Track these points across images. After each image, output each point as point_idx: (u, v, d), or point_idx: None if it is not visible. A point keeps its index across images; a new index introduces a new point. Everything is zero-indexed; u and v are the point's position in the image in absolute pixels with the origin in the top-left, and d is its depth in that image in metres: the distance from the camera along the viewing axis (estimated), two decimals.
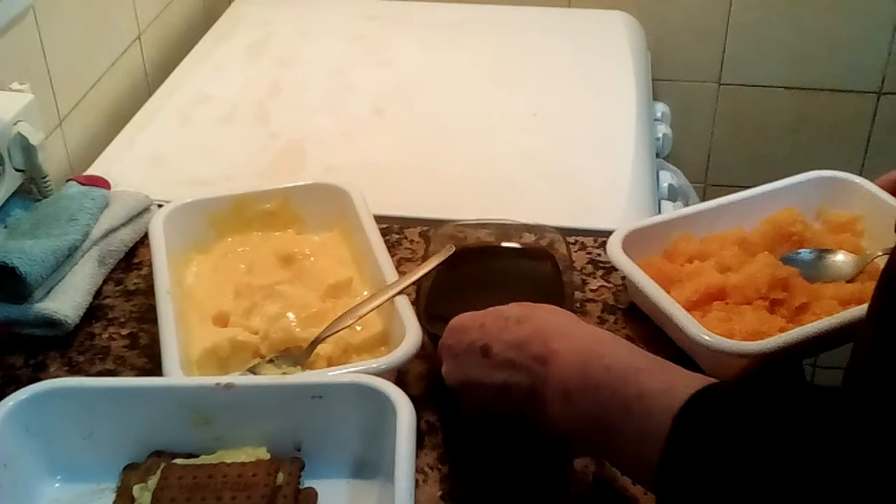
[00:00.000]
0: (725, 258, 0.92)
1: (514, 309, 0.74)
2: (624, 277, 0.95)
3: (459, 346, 0.74)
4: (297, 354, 0.86)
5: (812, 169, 1.03)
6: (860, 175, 1.01)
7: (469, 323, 0.75)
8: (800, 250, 0.95)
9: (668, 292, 0.88)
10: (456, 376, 0.74)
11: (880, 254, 0.92)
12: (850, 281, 0.92)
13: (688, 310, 0.85)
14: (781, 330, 0.83)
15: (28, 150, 1.01)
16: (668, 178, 1.46)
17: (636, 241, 0.93)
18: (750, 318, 0.86)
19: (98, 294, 0.97)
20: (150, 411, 0.75)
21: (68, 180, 1.05)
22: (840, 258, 0.94)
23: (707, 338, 0.81)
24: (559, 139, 1.30)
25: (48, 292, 0.92)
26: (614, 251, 0.91)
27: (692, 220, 0.98)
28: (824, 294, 0.89)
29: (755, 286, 0.88)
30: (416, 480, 0.76)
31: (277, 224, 1.03)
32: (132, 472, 0.75)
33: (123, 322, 0.94)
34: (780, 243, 0.96)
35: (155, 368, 0.83)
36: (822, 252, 0.95)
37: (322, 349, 0.86)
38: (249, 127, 1.32)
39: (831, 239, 0.97)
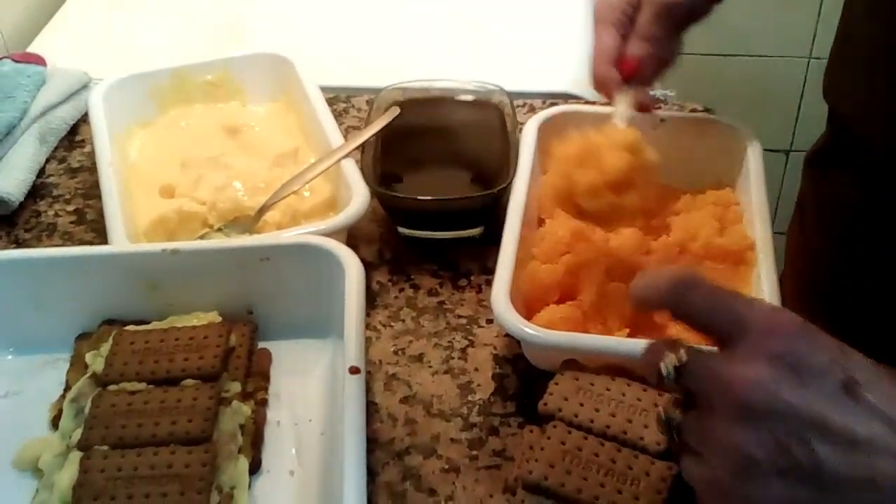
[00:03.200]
0: (594, 267, 0.77)
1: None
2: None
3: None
4: (246, 222, 0.86)
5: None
6: None
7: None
8: None
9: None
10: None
11: None
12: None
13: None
14: None
15: None
16: None
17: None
18: None
19: (42, 172, 0.96)
20: (99, 280, 0.74)
21: (1, 58, 1.02)
22: None
23: None
24: (507, 4, 1.28)
25: None
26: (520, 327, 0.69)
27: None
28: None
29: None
30: (370, 338, 0.78)
31: (220, 96, 1.01)
32: (84, 341, 0.75)
33: (69, 199, 0.93)
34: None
35: (103, 243, 0.82)
36: None
37: (271, 217, 0.86)
38: (189, 3, 1.29)
39: None
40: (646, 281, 0.51)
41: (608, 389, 0.66)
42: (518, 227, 0.77)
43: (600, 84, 0.78)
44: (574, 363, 0.68)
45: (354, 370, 0.65)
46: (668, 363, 0.48)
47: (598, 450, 0.62)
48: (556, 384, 0.66)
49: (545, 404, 0.65)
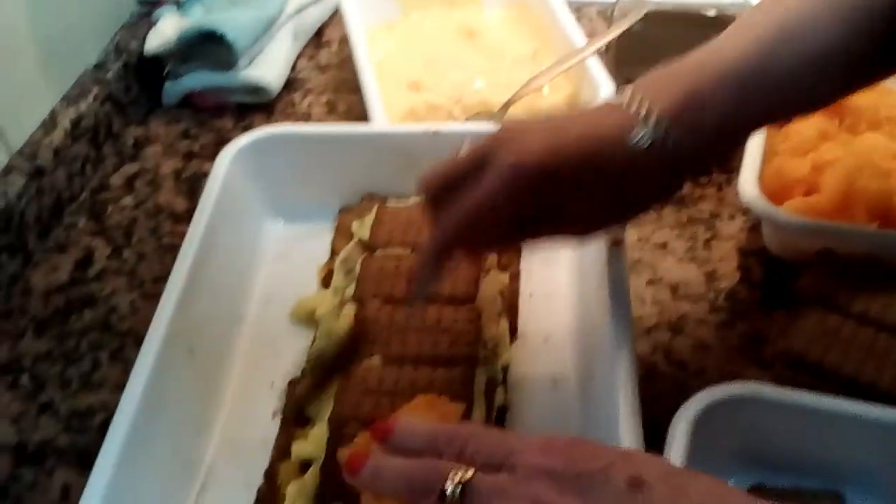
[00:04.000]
0: (841, 164, 0.76)
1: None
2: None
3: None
4: (489, 117, 0.89)
5: None
6: None
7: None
8: None
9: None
10: None
11: None
12: None
13: None
14: None
15: None
16: None
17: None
18: None
19: (294, 68, 1.02)
20: (363, 157, 0.79)
21: None
22: None
23: None
24: None
25: (251, 62, 0.97)
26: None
27: None
28: None
29: None
30: None
31: (458, 0, 1.05)
32: (347, 213, 0.80)
33: (321, 92, 0.99)
34: None
35: None
36: None
37: (513, 112, 0.89)
38: None
39: None
40: (404, 431, 0.49)
41: (865, 274, 0.66)
42: None
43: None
44: (828, 253, 0.69)
45: (617, 241, 0.67)
46: (453, 480, 0.44)
47: (857, 331, 0.63)
48: (813, 268, 0.68)
49: (802, 286, 0.67)
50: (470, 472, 0.44)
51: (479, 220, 0.56)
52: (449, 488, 0.44)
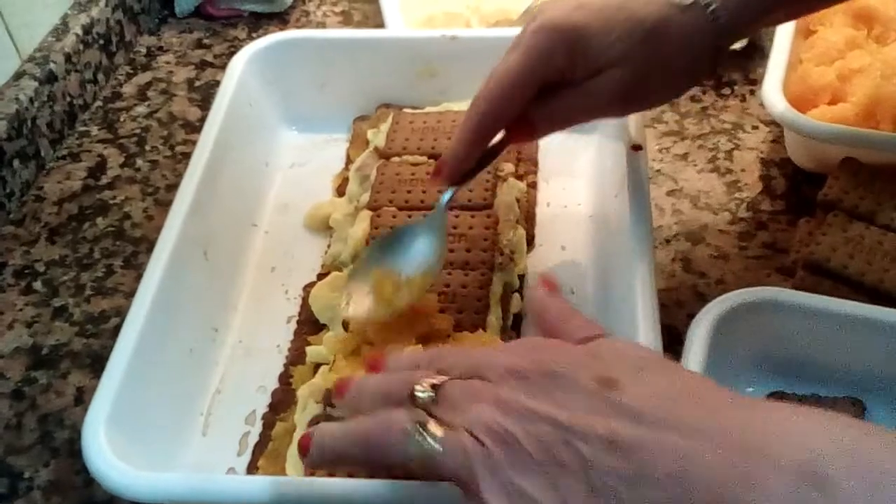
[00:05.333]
0: (868, 71, 0.75)
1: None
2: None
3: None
4: (509, 25, 0.87)
5: None
6: None
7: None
8: None
9: None
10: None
11: None
12: None
13: None
14: None
15: None
16: None
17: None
18: None
19: None
20: (380, 64, 0.78)
21: None
22: None
23: None
24: None
25: None
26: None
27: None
28: None
29: None
30: None
31: None
32: (363, 122, 0.79)
33: (335, 1, 0.97)
34: None
35: None
36: None
37: None
38: None
39: None
40: (392, 357, 0.49)
41: (890, 183, 0.65)
42: (792, 31, 0.76)
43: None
44: (853, 162, 0.67)
45: (637, 147, 0.66)
46: (424, 384, 0.44)
47: (882, 238, 0.62)
48: (837, 177, 0.66)
49: (825, 195, 0.65)
50: (443, 378, 0.44)
51: (510, 86, 0.55)
52: (419, 391, 0.44)
